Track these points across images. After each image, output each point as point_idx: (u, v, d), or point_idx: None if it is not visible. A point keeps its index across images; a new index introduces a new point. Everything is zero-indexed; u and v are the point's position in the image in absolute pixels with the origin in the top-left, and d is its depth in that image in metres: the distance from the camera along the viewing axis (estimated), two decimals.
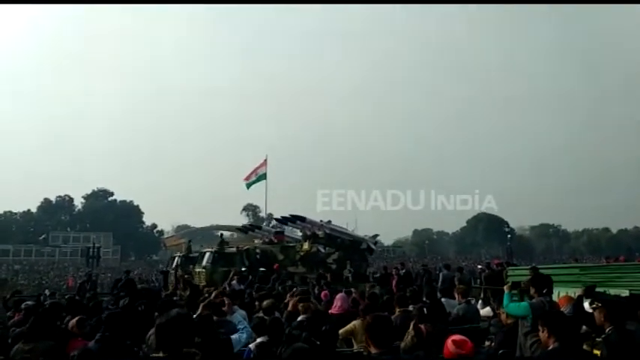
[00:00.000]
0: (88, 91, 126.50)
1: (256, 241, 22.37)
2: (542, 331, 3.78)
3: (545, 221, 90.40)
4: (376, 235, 25.43)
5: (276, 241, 21.17)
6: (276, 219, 21.77)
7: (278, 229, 22.62)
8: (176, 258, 21.12)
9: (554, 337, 3.64)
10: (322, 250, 20.19)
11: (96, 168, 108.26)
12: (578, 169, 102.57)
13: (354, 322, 5.95)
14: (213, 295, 7.42)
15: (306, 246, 19.37)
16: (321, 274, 16.21)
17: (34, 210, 77.59)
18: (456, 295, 7.56)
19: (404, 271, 15.24)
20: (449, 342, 3.28)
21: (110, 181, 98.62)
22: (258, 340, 4.83)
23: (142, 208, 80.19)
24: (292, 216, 20.22)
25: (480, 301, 8.68)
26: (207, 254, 19.16)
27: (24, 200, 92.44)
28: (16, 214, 76.88)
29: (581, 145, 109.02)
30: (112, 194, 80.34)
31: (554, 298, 6.09)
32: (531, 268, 10.59)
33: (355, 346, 5.82)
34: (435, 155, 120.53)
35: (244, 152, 77.14)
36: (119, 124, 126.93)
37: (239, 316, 5.38)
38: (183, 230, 61.16)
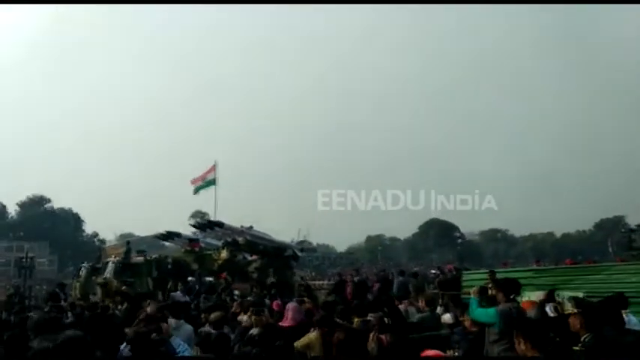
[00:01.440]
0: (25, 89, 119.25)
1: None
2: (520, 343, 3.48)
3: (494, 226, 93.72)
4: (303, 241, 24.71)
5: (190, 249, 19.74)
6: (192, 225, 20.53)
7: (193, 237, 21.26)
8: (109, 264, 18.18)
9: (536, 349, 3.35)
10: (247, 258, 19.38)
11: (32, 173, 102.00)
12: (526, 173, 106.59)
13: (309, 335, 5.46)
14: (150, 308, 6.73)
15: (224, 254, 18.47)
16: (273, 282, 15.61)
17: None
18: (420, 303, 7.25)
19: (358, 278, 14.91)
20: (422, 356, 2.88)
21: (47, 188, 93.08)
22: None
23: (82, 216, 76.56)
24: (209, 222, 19.26)
25: (439, 308, 8.41)
26: (110, 265, 17.74)
27: None
28: None
29: (525, 150, 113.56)
30: (48, 201, 76.14)
31: None
32: (489, 272, 10.52)
33: None
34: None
35: (195, 157, 75.04)
36: (58, 126, 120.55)
37: (178, 339, 4.71)
38: (127, 239, 58.54)
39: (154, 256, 18.74)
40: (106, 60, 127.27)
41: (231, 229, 18.94)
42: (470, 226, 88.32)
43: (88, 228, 77.48)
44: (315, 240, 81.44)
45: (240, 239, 18.62)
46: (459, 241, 61.61)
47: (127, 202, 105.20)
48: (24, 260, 32.16)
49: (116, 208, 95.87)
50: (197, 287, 14.72)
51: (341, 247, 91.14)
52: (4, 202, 74.34)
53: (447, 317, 7.46)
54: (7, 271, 51.36)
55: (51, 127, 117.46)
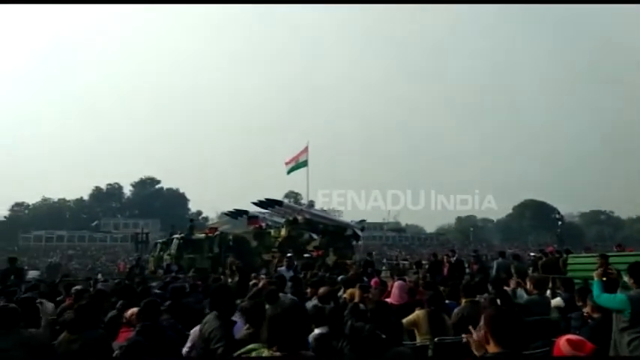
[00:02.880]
0: (133, 82, 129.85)
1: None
2: None
3: (597, 208, 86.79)
4: (363, 221, 24.20)
5: (259, 227, 20.19)
6: (254, 203, 20.72)
7: (253, 215, 21.60)
8: (174, 240, 19.00)
9: None
10: (314, 237, 19.35)
11: (143, 156, 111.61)
12: (631, 155, 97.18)
13: (417, 313, 5.45)
14: (261, 282, 7.10)
15: (283, 232, 18.59)
16: (368, 260, 15.67)
17: (86, 197, 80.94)
18: (529, 285, 6.91)
19: (455, 258, 14.50)
20: (562, 342, 2.72)
21: (157, 169, 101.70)
22: (317, 331, 4.40)
23: (188, 195, 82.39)
24: (268, 200, 19.38)
25: (548, 291, 7.96)
26: (174, 241, 18.61)
27: (77, 188, 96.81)
28: (69, 201, 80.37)
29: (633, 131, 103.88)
30: (158, 182, 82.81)
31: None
32: (600, 255, 9.70)
33: (418, 339, 5.33)
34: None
35: (288, 139, 77.71)
36: (164, 114, 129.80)
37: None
38: (227, 217, 61.76)
39: (216, 233, 19.21)
40: (210, 49, 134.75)
41: (291, 207, 19.08)
42: (568, 208, 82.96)
43: (193, 206, 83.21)
44: (404, 220, 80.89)
45: (299, 218, 18.90)
46: (559, 222, 57.28)
47: (227, 182, 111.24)
48: (140, 236, 35.35)
49: (217, 188, 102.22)
50: (295, 263, 15.16)
51: (430, 227, 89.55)
52: (121, 184, 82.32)
53: (557, 301, 7.06)
54: (126, 245, 56.93)
55: (158, 113, 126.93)
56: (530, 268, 14.10)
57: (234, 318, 4.32)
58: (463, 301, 5.76)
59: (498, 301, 5.57)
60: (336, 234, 19.67)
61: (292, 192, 77.80)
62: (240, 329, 4.40)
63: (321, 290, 5.65)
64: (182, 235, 18.95)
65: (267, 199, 19.52)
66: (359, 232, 21.22)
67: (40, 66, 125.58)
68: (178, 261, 17.19)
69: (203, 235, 19.19)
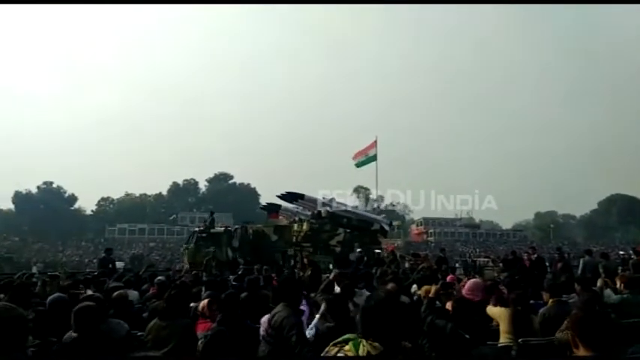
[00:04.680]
0: (205, 81, 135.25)
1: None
2: None
3: None
4: (390, 217, 23.17)
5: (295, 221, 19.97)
6: (278, 196, 20.32)
7: (280, 208, 21.39)
8: (195, 234, 18.82)
9: None
10: (347, 231, 18.82)
11: (216, 152, 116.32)
12: None
13: (501, 309, 5.21)
14: (332, 275, 7.13)
15: (305, 226, 18.24)
16: (441, 257, 15.27)
17: (164, 193, 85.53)
18: (618, 284, 6.43)
19: (535, 256, 13.81)
20: None
21: (229, 165, 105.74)
22: None
23: (259, 190, 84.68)
24: (289, 193, 19.07)
25: None
26: (194, 234, 18.58)
27: (156, 184, 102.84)
28: (149, 196, 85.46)
29: None
30: (231, 177, 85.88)
31: None
32: None
33: (501, 338, 5.10)
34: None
35: (357, 133, 77.85)
36: (236, 112, 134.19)
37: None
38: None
39: (236, 227, 19.13)
40: (276, 45, 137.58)
41: (313, 201, 18.79)
42: None
43: (263, 201, 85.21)
44: (478, 216, 78.06)
45: (323, 211, 18.57)
46: None
47: (296, 177, 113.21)
48: None
49: (287, 183, 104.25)
50: (365, 258, 15.15)
51: (507, 223, 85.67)
52: (196, 179, 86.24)
53: None
54: None
55: (231, 112, 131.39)
56: (620, 268, 13.13)
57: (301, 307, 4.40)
58: (549, 301, 5.45)
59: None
60: (361, 229, 19.30)
61: (361, 186, 77.69)
62: (307, 317, 4.46)
63: (389, 286, 5.53)
64: (201, 228, 19.04)
65: (288, 193, 19.25)
66: (386, 227, 20.70)
67: (124, 67, 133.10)
68: (196, 255, 17.14)
69: (222, 228, 19.23)
